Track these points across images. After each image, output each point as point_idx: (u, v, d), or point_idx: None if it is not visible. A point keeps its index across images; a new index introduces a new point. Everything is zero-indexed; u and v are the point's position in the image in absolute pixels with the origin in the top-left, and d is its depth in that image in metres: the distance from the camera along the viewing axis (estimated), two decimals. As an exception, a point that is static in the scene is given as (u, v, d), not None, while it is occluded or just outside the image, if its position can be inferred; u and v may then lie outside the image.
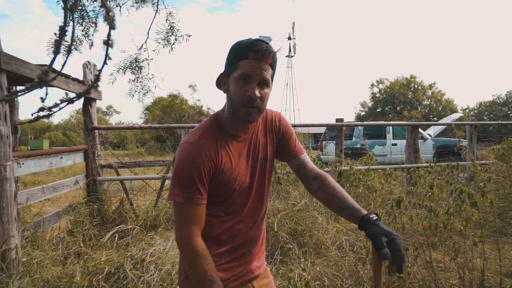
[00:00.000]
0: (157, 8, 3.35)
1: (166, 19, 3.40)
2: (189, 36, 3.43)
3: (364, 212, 1.10)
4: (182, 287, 1.19)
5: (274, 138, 1.25)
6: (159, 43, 3.38)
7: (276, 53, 1.09)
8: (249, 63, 1.04)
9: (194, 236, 1.04)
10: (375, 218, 1.06)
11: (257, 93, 1.05)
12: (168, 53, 3.48)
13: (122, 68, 3.41)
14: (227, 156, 1.12)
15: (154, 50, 3.45)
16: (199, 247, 1.03)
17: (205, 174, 1.06)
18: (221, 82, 1.15)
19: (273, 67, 1.09)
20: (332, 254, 2.97)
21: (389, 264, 1.00)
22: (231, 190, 1.13)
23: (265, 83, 1.07)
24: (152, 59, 3.61)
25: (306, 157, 1.29)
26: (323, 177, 1.23)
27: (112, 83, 3.15)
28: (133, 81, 3.61)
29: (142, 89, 3.69)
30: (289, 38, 33.50)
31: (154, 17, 3.39)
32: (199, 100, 31.28)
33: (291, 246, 2.93)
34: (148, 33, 3.50)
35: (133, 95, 3.72)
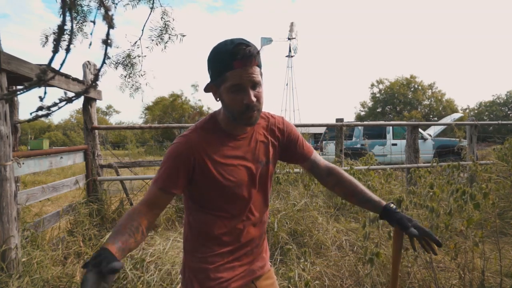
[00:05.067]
0: (153, 6, 3.35)
1: (161, 17, 3.41)
2: (183, 36, 3.44)
3: (384, 202, 1.21)
4: (185, 287, 1.19)
5: (277, 142, 1.25)
6: (153, 40, 3.39)
7: (259, 51, 1.07)
8: (237, 73, 1.03)
9: (138, 206, 1.04)
10: (394, 207, 1.20)
11: (253, 98, 1.05)
12: (161, 51, 3.49)
13: (114, 63, 3.42)
14: (221, 154, 1.12)
15: (147, 47, 3.46)
16: (132, 209, 1.03)
17: (185, 166, 1.07)
18: (211, 92, 1.13)
19: (259, 65, 1.08)
20: (332, 254, 2.96)
21: (425, 243, 1.16)
22: (228, 188, 1.12)
23: (257, 84, 1.07)
24: (145, 56, 3.62)
25: (316, 155, 1.31)
26: (337, 173, 1.29)
27: (102, 75, 3.17)
28: (125, 76, 3.62)
29: (133, 85, 3.70)
30: (289, 38, 33.51)
31: (150, 14, 3.40)
32: (200, 100, 31.26)
33: (290, 247, 2.92)
34: (142, 30, 3.50)
35: (123, 90, 3.74)
